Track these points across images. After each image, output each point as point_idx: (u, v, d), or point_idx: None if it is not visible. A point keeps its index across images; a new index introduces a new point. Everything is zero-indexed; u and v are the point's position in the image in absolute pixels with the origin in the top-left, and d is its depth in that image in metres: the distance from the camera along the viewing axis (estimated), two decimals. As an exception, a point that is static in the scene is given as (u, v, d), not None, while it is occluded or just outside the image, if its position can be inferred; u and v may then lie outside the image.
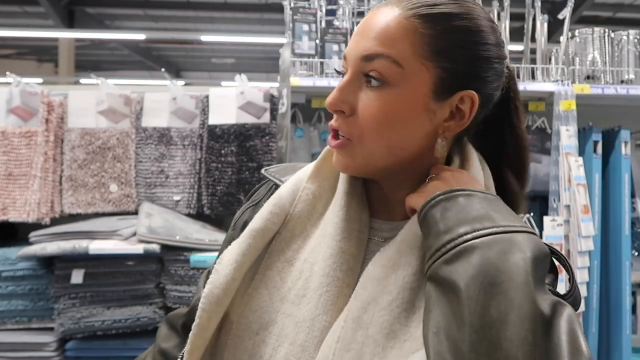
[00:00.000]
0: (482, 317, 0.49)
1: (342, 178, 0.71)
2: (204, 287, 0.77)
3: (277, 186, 0.76)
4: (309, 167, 0.74)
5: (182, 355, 0.69)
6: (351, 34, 2.09)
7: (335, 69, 0.69)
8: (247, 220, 0.75)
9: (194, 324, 0.66)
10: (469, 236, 0.54)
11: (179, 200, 2.08)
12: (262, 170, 0.80)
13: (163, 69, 3.05)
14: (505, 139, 0.73)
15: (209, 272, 0.80)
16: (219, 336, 0.67)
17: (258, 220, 0.70)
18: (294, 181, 0.73)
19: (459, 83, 0.64)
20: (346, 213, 0.67)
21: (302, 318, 0.63)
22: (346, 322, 0.60)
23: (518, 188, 0.75)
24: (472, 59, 0.64)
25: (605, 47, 2.26)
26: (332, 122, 0.66)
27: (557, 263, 0.67)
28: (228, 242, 0.78)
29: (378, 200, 0.71)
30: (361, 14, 2.21)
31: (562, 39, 2.24)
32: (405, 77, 0.62)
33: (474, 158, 0.69)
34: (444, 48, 0.62)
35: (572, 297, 0.63)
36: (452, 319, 0.51)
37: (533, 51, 2.23)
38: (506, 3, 2.17)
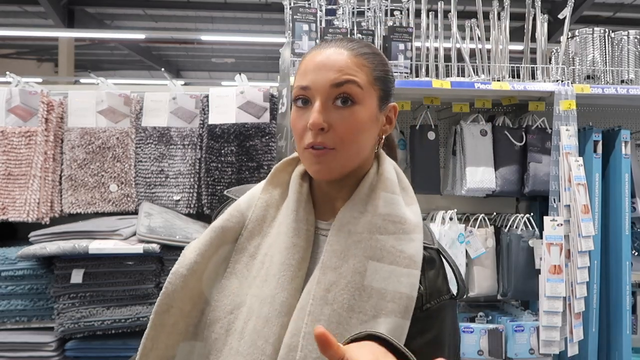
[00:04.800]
0: None
1: (292, 188, 0.90)
2: None
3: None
4: (262, 183, 0.94)
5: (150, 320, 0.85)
6: (351, 34, 2.10)
7: (296, 98, 0.86)
8: None
9: (161, 291, 0.85)
10: None
11: (178, 200, 2.07)
12: (225, 192, 1.01)
13: (163, 69, 3.05)
14: (386, 138, 0.97)
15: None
16: (201, 319, 0.85)
17: (219, 220, 0.90)
18: (251, 193, 0.93)
19: (388, 98, 0.90)
20: (296, 216, 0.86)
21: (265, 296, 0.81)
22: (314, 300, 0.79)
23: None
24: (390, 82, 0.90)
25: (605, 47, 2.26)
26: (313, 140, 0.82)
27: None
28: None
29: (322, 205, 0.90)
30: (361, 14, 2.21)
31: (562, 38, 2.24)
32: (364, 96, 0.84)
33: (385, 157, 0.92)
34: (379, 76, 0.87)
35: (460, 293, 0.89)
36: None
37: (533, 51, 2.23)
38: (506, 3, 2.17)
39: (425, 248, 0.85)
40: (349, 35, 2.07)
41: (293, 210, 0.87)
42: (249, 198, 0.92)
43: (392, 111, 0.91)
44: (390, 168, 0.91)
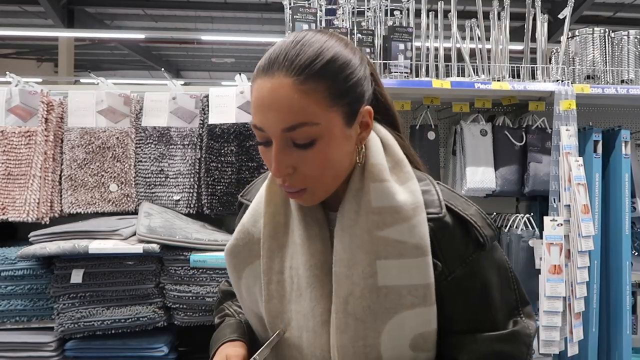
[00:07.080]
0: None
1: None
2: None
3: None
4: (262, 193, 0.92)
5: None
6: (351, 34, 2.10)
7: (257, 141, 0.81)
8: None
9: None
10: None
11: (178, 200, 2.07)
12: (239, 197, 1.02)
13: (163, 69, 3.05)
14: (377, 103, 0.89)
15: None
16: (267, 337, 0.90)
17: (229, 243, 0.93)
18: (253, 206, 0.93)
19: (357, 106, 0.81)
20: (305, 224, 0.86)
21: (305, 310, 0.85)
22: (337, 314, 0.82)
23: (397, 135, 0.91)
24: (355, 86, 0.80)
25: (605, 47, 2.26)
26: (282, 183, 0.82)
27: None
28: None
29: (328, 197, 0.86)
30: (361, 14, 2.21)
31: (562, 38, 2.24)
32: (323, 129, 0.77)
33: (370, 138, 0.86)
34: (337, 91, 0.77)
35: (488, 236, 0.86)
36: None
37: (533, 51, 2.23)
38: (506, 3, 2.17)
39: (431, 220, 0.81)
40: (349, 36, 2.07)
41: (300, 219, 0.87)
42: (253, 212, 0.92)
43: (366, 116, 0.83)
44: (376, 149, 0.85)
